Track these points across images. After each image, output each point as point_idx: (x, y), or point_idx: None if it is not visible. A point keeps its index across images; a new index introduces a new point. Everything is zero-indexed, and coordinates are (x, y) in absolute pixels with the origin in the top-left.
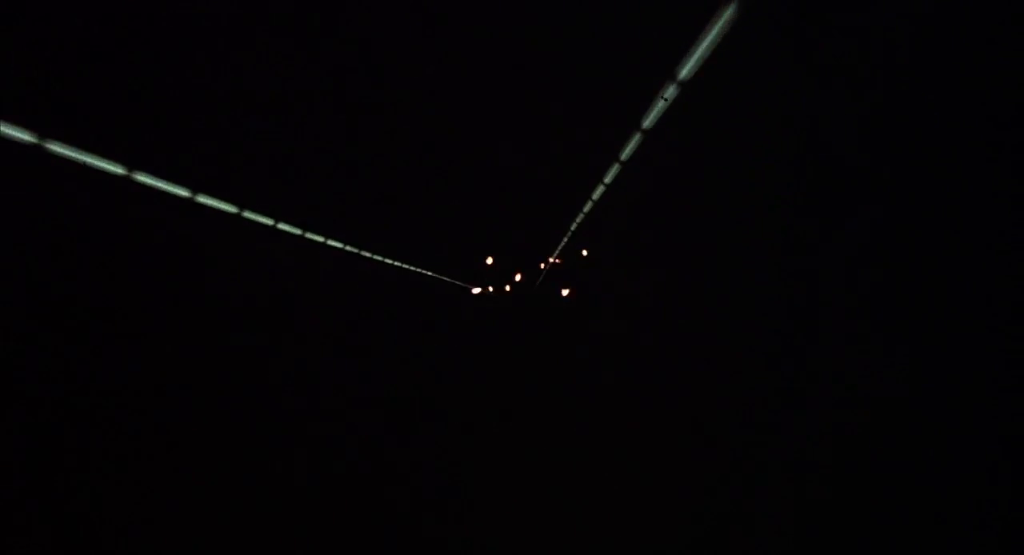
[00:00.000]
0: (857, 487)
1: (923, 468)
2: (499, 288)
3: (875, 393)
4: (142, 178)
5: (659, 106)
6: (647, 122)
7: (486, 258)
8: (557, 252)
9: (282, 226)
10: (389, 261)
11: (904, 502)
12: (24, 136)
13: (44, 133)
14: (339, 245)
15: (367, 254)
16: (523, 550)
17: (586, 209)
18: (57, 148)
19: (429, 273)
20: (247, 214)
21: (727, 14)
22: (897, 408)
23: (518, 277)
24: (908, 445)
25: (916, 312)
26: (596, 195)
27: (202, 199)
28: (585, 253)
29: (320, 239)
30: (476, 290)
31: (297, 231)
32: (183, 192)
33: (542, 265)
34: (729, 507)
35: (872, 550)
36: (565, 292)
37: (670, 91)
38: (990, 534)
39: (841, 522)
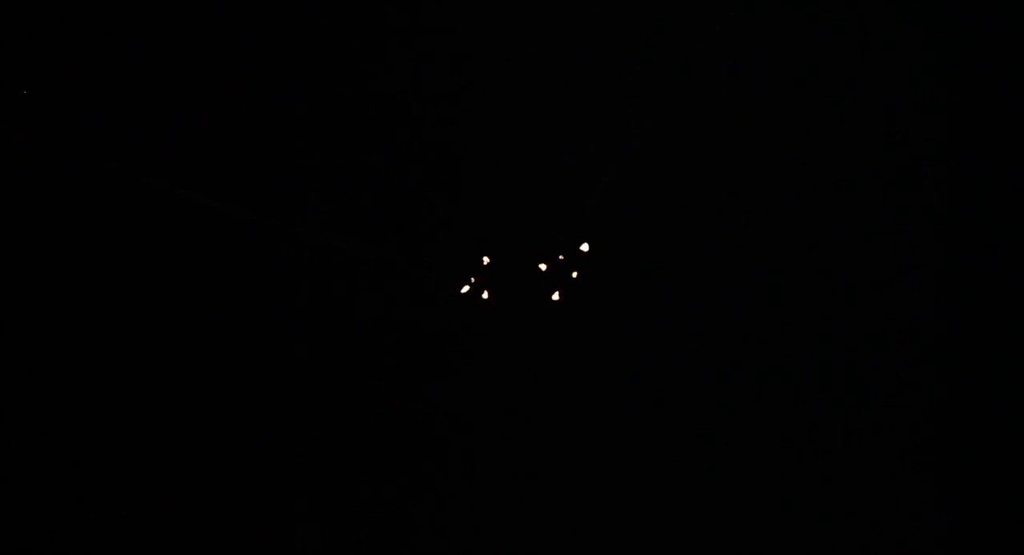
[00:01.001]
0: (855, 486)
1: (922, 467)
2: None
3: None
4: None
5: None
6: (637, 131)
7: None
8: (554, 254)
9: (292, 228)
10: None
11: (902, 501)
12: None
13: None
14: (342, 246)
15: (365, 254)
16: (524, 550)
17: (581, 211)
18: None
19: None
20: (257, 217)
21: (717, 30)
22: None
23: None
24: (908, 445)
25: (913, 317)
26: (591, 201)
27: (212, 202)
28: (556, 296)
29: (325, 242)
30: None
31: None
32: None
33: (542, 265)
34: (726, 508)
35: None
36: (555, 296)
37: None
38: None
39: (839, 521)
